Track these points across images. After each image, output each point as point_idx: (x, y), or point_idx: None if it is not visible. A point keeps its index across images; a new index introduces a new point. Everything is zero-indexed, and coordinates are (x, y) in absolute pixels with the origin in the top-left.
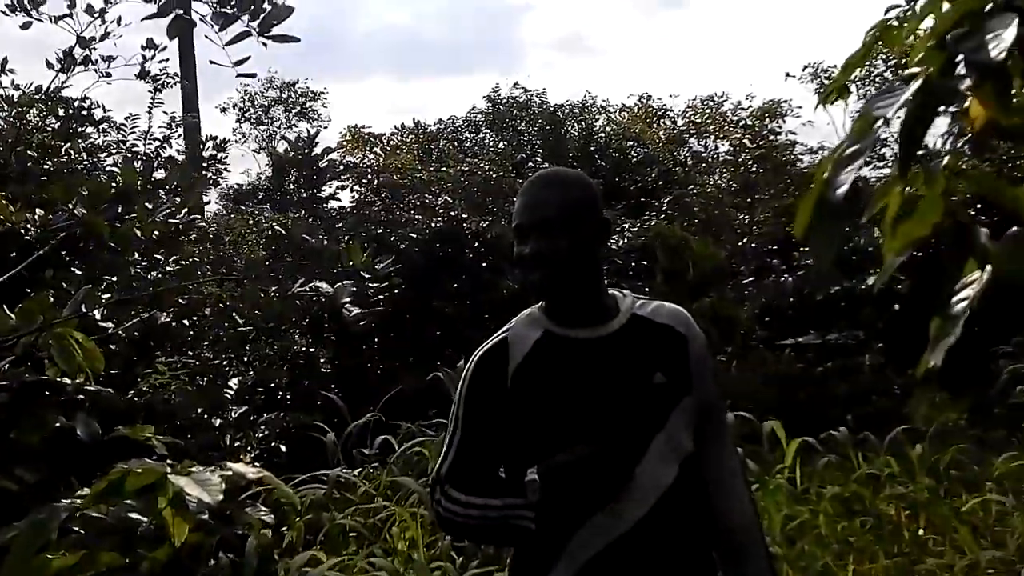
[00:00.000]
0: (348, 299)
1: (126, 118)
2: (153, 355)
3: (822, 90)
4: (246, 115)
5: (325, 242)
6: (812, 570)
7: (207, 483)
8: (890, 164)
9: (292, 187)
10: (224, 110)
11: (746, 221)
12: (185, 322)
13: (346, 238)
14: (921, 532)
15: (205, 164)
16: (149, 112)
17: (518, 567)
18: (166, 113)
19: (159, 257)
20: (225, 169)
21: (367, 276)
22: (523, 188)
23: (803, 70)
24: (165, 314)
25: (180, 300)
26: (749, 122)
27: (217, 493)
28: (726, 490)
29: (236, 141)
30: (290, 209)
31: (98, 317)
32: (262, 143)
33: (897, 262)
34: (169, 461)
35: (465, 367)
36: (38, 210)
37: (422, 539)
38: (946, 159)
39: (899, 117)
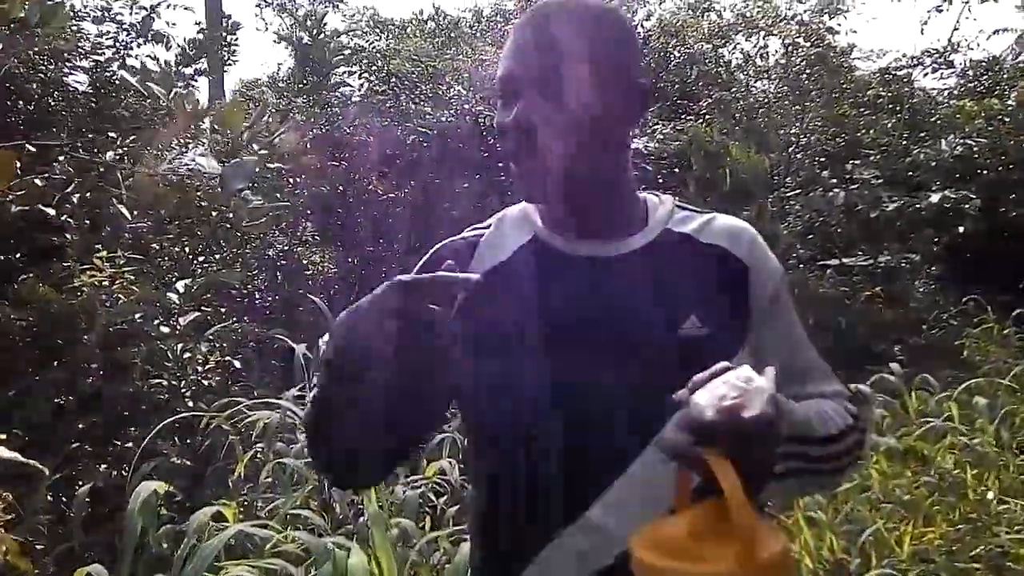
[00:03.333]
0: (243, 184)
1: None
2: (93, 248)
3: None
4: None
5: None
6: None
7: None
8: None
9: (308, 76)
10: None
11: (793, 131)
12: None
13: (352, 122)
14: (990, 495)
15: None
16: None
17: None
18: None
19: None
20: (233, 54)
21: (264, 152)
22: (517, 24)
23: None
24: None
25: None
26: (806, 17)
27: None
28: None
29: (257, 29)
30: (296, 97)
31: None
32: (284, 32)
33: None
34: None
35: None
36: None
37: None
38: None
39: None
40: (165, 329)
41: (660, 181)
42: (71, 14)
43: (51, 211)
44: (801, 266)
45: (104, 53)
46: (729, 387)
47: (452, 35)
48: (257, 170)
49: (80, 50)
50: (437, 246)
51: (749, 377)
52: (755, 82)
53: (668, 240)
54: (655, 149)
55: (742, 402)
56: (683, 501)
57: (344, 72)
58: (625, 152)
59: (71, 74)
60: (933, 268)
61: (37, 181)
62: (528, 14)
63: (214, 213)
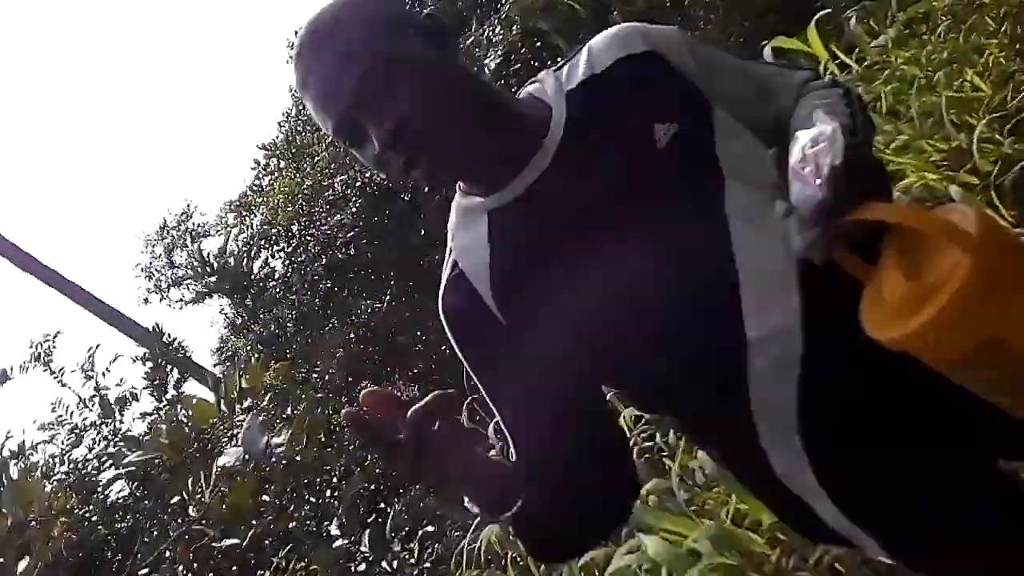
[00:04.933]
0: (265, 435)
1: None
2: None
3: None
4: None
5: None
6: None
7: None
8: None
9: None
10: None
11: None
12: None
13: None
14: None
15: None
16: None
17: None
18: None
19: None
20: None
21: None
22: (296, 75)
23: None
24: None
25: None
26: None
27: None
28: None
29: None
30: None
31: None
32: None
33: None
34: None
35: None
36: None
37: None
38: None
39: None
40: None
41: (537, 68)
42: None
43: None
44: None
45: None
46: (808, 158)
47: (301, 152)
48: (264, 404)
49: None
50: (439, 298)
51: (816, 135)
52: None
53: (578, 100)
54: (502, 54)
55: (830, 159)
56: (866, 270)
57: (259, 266)
58: (483, 82)
59: None
60: None
61: None
62: (296, 64)
63: (288, 489)
